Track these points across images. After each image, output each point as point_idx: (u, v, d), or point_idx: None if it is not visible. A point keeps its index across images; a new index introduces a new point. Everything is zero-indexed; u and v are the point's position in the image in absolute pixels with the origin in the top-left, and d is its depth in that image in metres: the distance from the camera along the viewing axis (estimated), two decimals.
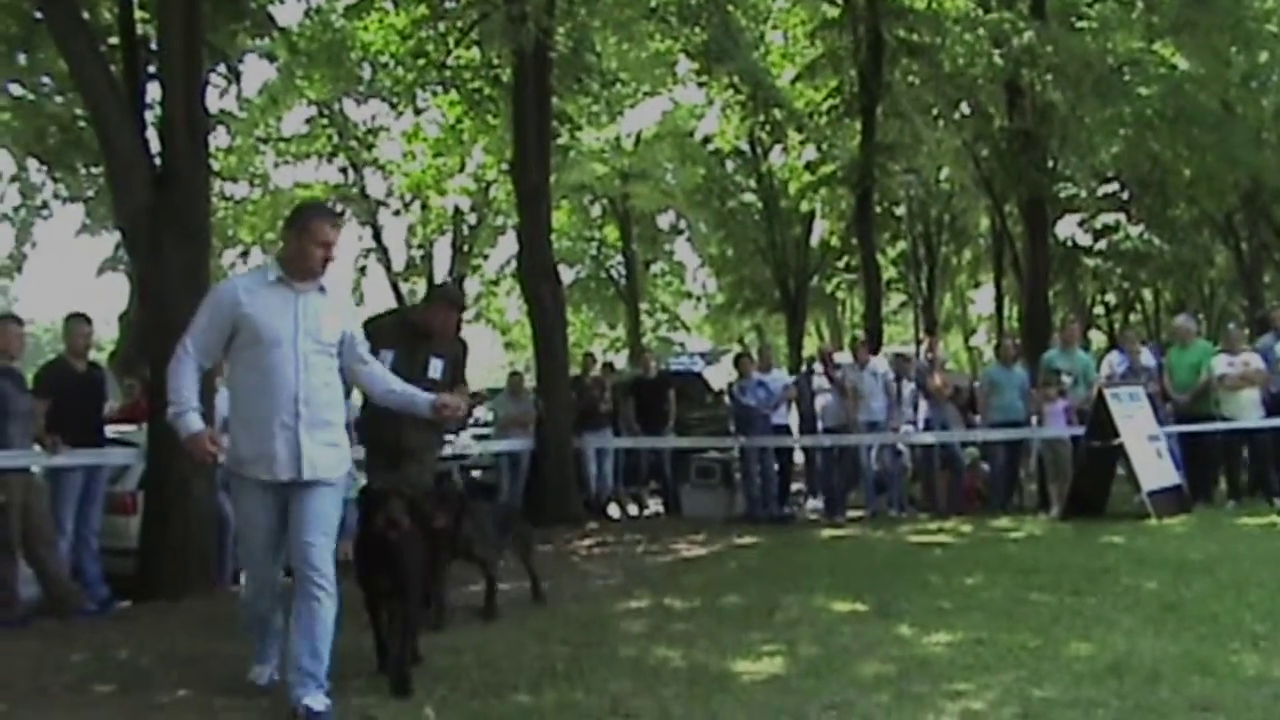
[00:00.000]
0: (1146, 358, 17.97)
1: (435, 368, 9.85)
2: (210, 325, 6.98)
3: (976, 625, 8.41)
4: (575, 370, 20.16)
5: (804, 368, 23.32)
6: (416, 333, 9.95)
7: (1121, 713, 6.02)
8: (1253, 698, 6.17)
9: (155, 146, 12.67)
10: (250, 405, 6.94)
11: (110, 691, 7.53)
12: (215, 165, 25.34)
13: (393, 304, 40.03)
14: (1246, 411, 16.53)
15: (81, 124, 18.95)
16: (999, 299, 39.74)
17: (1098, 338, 43.52)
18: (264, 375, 6.86)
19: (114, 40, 14.41)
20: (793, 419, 19.52)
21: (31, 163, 24.65)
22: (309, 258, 6.97)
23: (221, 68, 18.32)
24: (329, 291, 7.18)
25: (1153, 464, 15.74)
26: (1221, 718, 5.82)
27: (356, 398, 8.89)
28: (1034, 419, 17.49)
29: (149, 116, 13.50)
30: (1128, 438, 15.49)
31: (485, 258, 42.04)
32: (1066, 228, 33.47)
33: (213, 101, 19.26)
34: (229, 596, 11.31)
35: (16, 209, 27.11)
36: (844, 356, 21.95)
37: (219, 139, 27.00)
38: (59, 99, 20.14)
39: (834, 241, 38.11)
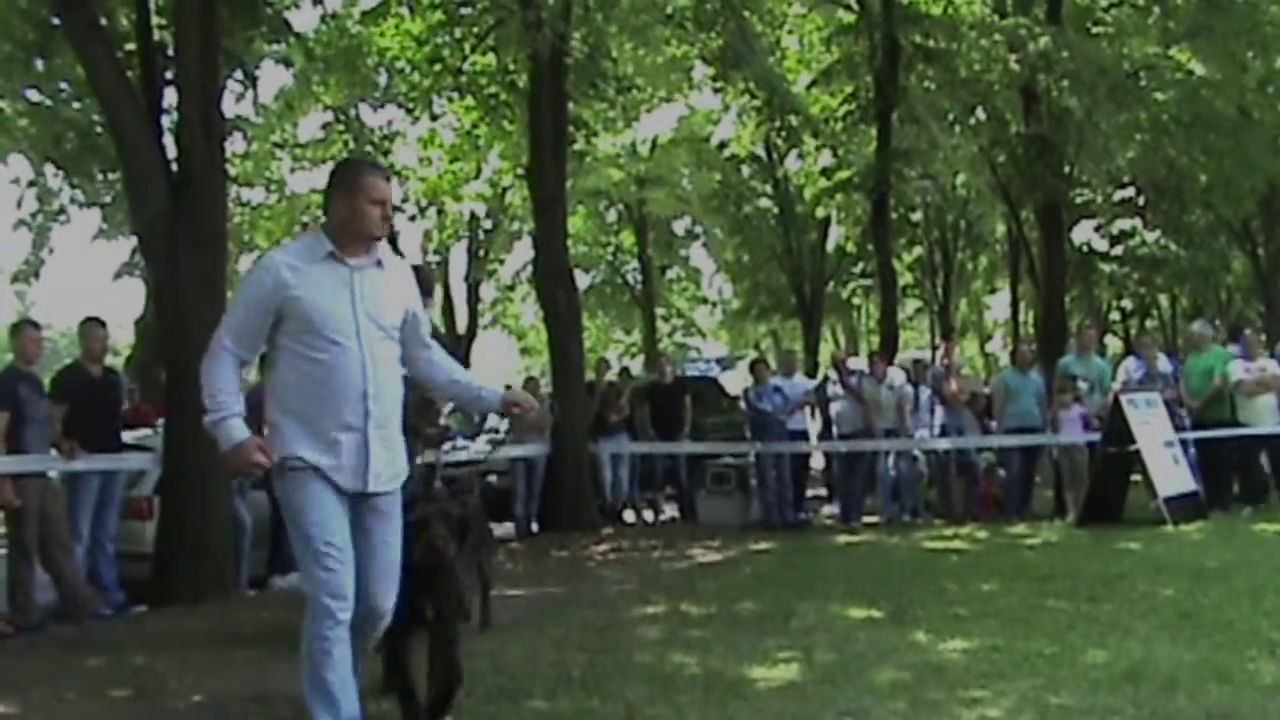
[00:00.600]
0: (1163, 364, 17.95)
1: None
2: (250, 314, 5.87)
3: (992, 632, 8.40)
4: (591, 376, 20.18)
5: (821, 375, 23.33)
6: None
7: None
8: (1270, 706, 6.15)
9: (172, 152, 12.72)
10: (305, 403, 5.84)
11: (126, 696, 7.55)
12: (231, 171, 25.34)
13: None
14: (1263, 417, 16.50)
15: (98, 130, 18.97)
16: (1015, 304, 39.76)
17: (1114, 343, 43.50)
18: (322, 369, 5.80)
19: (131, 46, 14.45)
20: (814, 425, 19.55)
21: (49, 168, 24.64)
22: (365, 219, 5.94)
23: (238, 73, 18.31)
24: (386, 266, 6.09)
25: (1169, 470, 15.70)
26: None
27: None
28: (1050, 425, 17.47)
29: (166, 122, 13.52)
30: (1144, 444, 15.46)
31: (501, 263, 42.11)
32: (1083, 233, 33.54)
33: (229, 107, 19.25)
34: (245, 601, 11.37)
35: (34, 214, 27.12)
36: (859, 362, 21.94)
37: (235, 144, 26.91)
38: (76, 105, 20.19)
39: (850, 247, 38.19)
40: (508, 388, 7.93)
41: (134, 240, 23.36)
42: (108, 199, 25.85)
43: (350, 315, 5.85)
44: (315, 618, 5.79)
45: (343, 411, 5.81)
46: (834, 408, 19.03)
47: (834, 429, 19.10)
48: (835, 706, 6.50)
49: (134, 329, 28.95)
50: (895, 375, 18.86)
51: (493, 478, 18.97)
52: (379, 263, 6.03)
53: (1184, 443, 16.31)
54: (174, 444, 12.06)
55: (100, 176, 23.18)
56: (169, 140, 12.99)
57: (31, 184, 26.20)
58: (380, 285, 6.02)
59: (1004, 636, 8.20)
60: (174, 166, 12.53)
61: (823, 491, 21.98)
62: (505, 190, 34.31)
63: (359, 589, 5.86)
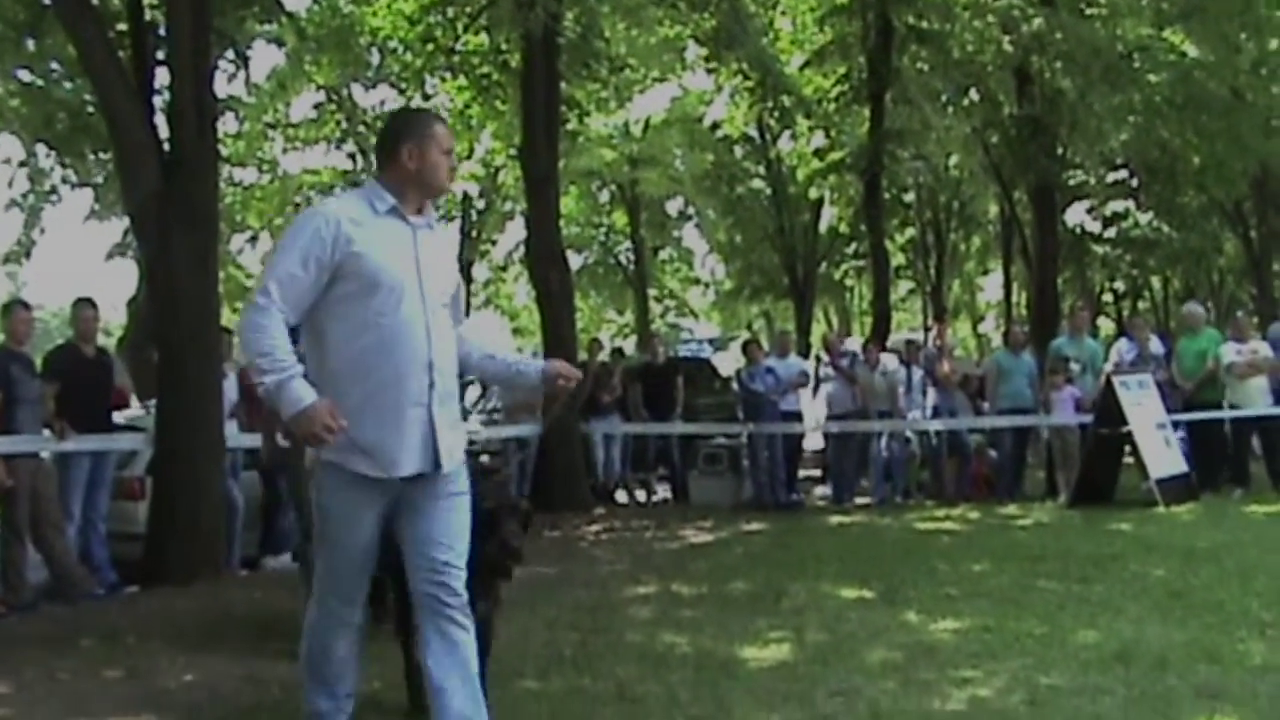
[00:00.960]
0: (1155, 345, 17.97)
1: None
2: (305, 267, 5.13)
3: (983, 612, 8.43)
4: (583, 356, 20.19)
5: (813, 356, 23.36)
6: None
7: (1128, 700, 6.03)
8: (1259, 685, 6.18)
9: (164, 132, 12.66)
10: (363, 375, 5.19)
11: (118, 676, 7.56)
12: (223, 151, 25.35)
13: None
14: (1255, 400, 16.52)
15: (90, 110, 18.96)
16: (1007, 286, 39.69)
17: (1106, 325, 43.50)
18: (385, 336, 5.18)
19: (122, 26, 14.40)
20: (812, 405, 19.58)
21: (40, 148, 24.59)
22: (438, 171, 5.41)
23: (230, 53, 18.31)
24: (436, 228, 5.58)
25: (1161, 452, 15.75)
26: (1228, 705, 5.83)
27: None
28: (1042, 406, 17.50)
29: (157, 102, 13.45)
30: (1136, 425, 15.49)
31: (494, 243, 42.09)
32: (1075, 215, 33.51)
33: (221, 87, 19.26)
34: (237, 581, 11.37)
35: (25, 195, 27.01)
36: (852, 343, 21.96)
37: (227, 125, 26.94)
38: (68, 85, 20.16)
39: (842, 228, 38.10)
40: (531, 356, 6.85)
41: (126, 221, 23.28)
42: (100, 179, 25.79)
43: (415, 277, 5.27)
44: (321, 620, 5.54)
45: (407, 385, 5.22)
46: (824, 389, 19.06)
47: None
48: (826, 686, 6.52)
49: (126, 310, 28.85)
50: (889, 361, 18.89)
51: (485, 457, 18.98)
52: (430, 225, 5.50)
53: (1175, 425, 16.35)
54: (166, 424, 12.05)
55: (92, 156, 23.15)
56: (161, 120, 12.94)
57: (23, 164, 26.11)
58: (437, 247, 5.54)
59: (995, 616, 8.23)
60: (166, 146, 12.50)
61: (816, 472, 22.02)
62: (498, 170, 34.28)
63: (420, 560, 5.30)
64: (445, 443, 5.30)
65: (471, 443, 18.27)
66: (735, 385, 20.56)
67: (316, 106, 33.07)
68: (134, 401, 15.44)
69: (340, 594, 5.48)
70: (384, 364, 5.17)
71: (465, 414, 20.94)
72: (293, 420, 5.03)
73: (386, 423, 5.17)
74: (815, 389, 19.52)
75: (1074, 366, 17.30)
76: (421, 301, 5.24)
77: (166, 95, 12.99)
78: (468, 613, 5.30)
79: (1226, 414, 16.53)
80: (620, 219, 44.09)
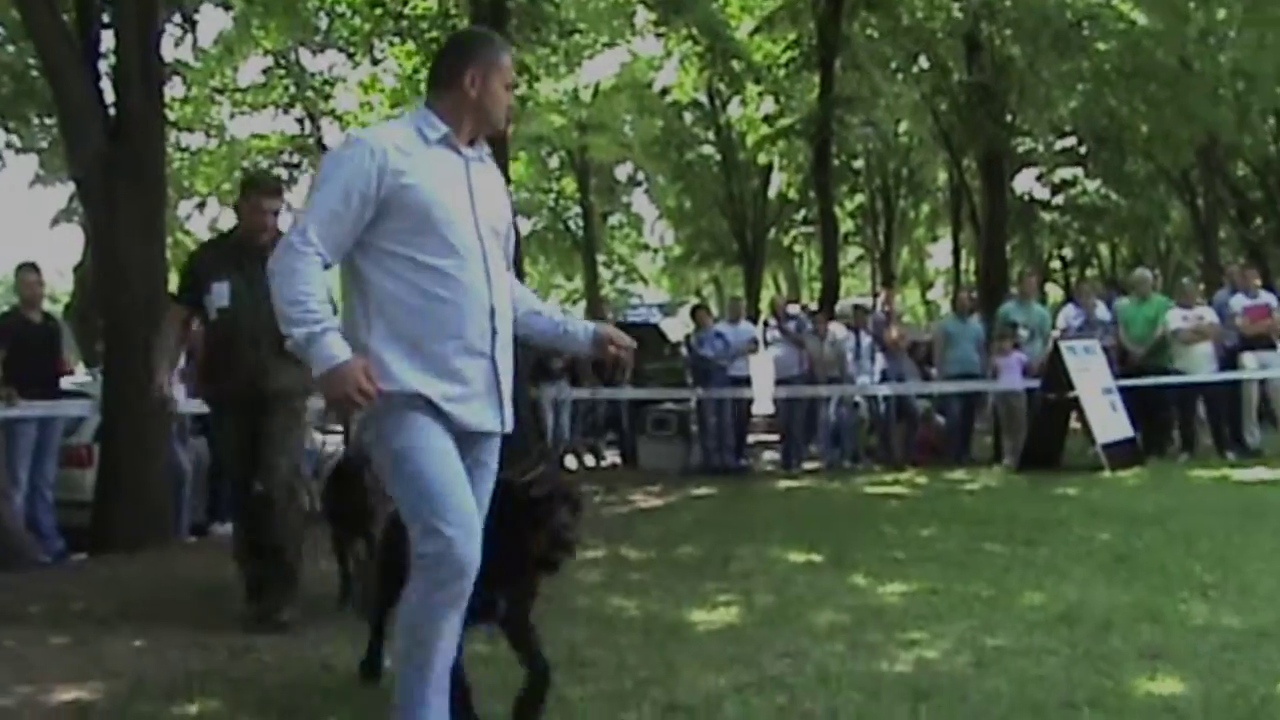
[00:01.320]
0: (1102, 311, 18.06)
1: None
2: (347, 202, 4.53)
3: (930, 575, 8.46)
4: None
5: (761, 321, 23.38)
6: (250, 253, 7.68)
7: (1072, 660, 6.07)
8: (1200, 646, 6.23)
9: (109, 97, 12.55)
10: (416, 323, 4.60)
11: (66, 643, 7.49)
12: (170, 115, 25.19)
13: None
14: (1200, 365, 16.64)
15: (34, 73, 18.78)
16: (956, 252, 39.89)
17: (1054, 291, 43.75)
18: (441, 280, 4.61)
19: None
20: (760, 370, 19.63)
21: None
22: (499, 105, 4.87)
23: (176, 17, 18.18)
24: (488, 162, 4.94)
25: (1107, 417, 15.84)
26: (1170, 665, 5.87)
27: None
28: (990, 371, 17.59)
29: (103, 66, 13.36)
30: (1082, 390, 15.58)
31: None
32: (1024, 182, 33.68)
33: (168, 51, 19.06)
34: (185, 548, 11.32)
35: None
36: (794, 309, 22.00)
37: (174, 89, 26.78)
38: (10, 48, 20.01)
39: (792, 194, 38.24)
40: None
41: (72, 186, 23.13)
42: (44, 144, 25.67)
43: (469, 214, 4.72)
44: (430, 598, 4.57)
45: (467, 333, 4.66)
46: (770, 351, 19.11)
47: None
48: (774, 648, 6.53)
49: (73, 276, 28.71)
50: (836, 330, 18.93)
51: None
52: (482, 158, 4.91)
53: (1122, 390, 16.46)
54: (112, 390, 11.95)
55: (36, 121, 23.04)
56: (106, 85, 12.83)
57: None
58: (490, 184, 4.94)
59: (942, 579, 8.26)
60: (111, 110, 12.39)
61: (767, 437, 22.07)
62: None
63: None
64: (509, 401, 4.85)
65: None
66: (684, 350, 20.58)
67: (264, 71, 33.04)
68: (79, 369, 15.32)
69: (455, 561, 4.53)
70: (440, 310, 4.60)
71: None
72: (322, 379, 4.45)
73: (444, 375, 4.60)
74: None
75: (1022, 332, 17.40)
76: (479, 241, 4.71)
77: (112, 59, 12.88)
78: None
79: (1173, 380, 16.64)
80: (569, 185, 44.07)
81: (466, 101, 4.77)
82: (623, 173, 45.11)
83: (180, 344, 8.45)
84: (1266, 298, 17.14)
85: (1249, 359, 16.66)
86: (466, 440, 4.71)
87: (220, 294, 7.76)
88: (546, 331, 5.23)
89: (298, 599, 7.76)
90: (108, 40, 13.10)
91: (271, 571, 7.74)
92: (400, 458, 4.59)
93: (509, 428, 4.87)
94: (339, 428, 13.53)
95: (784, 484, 16.07)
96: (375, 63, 30.25)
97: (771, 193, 39.89)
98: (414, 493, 4.58)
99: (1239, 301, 17.00)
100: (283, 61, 33.16)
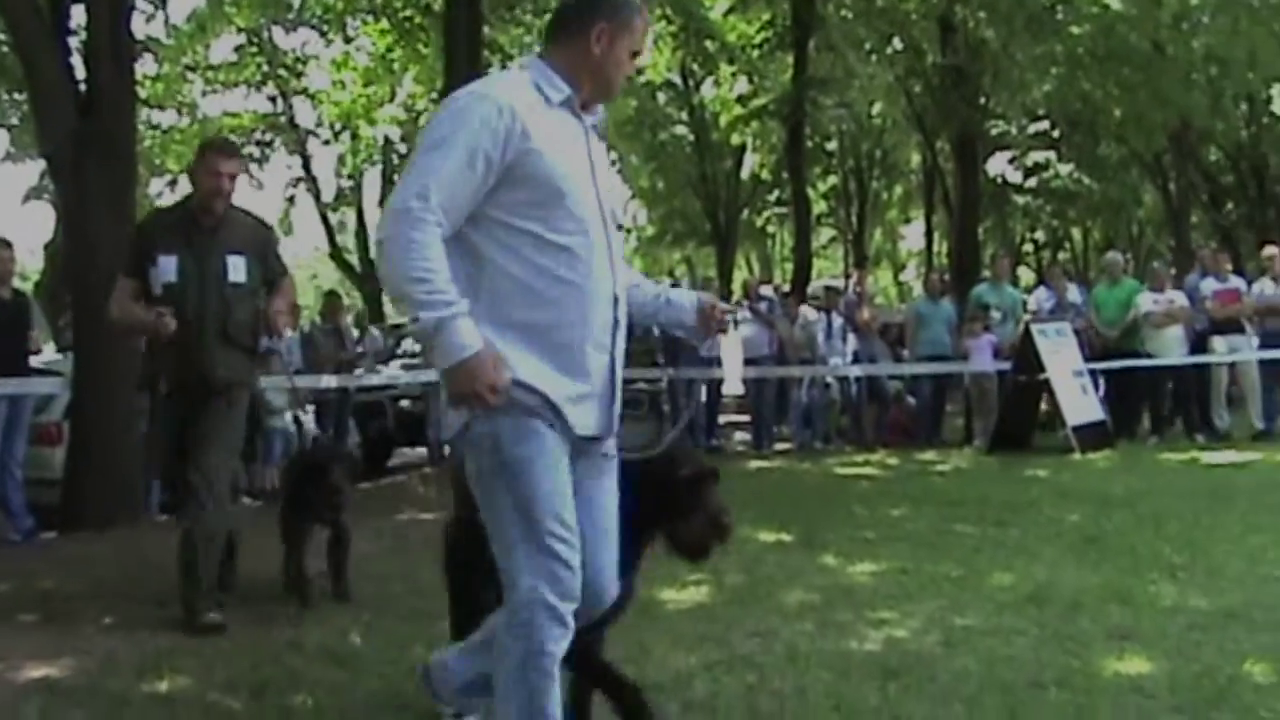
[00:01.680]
0: (1073, 294, 18.14)
1: (236, 269, 7.35)
2: (473, 165, 3.85)
3: (900, 555, 8.48)
4: None
5: (734, 302, 23.38)
6: (200, 226, 7.36)
7: (1041, 640, 6.09)
8: (1169, 627, 6.26)
9: (80, 73, 12.48)
10: (538, 309, 3.97)
11: (34, 621, 7.48)
12: (142, 93, 25.09)
13: (322, 238, 39.81)
14: (1170, 349, 16.70)
15: (4, 49, 18.67)
16: (929, 235, 40.00)
17: (1026, 274, 43.87)
18: (568, 262, 4.00)
19: None
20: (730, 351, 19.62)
21: None
22: (620, 71, 4.24)
23: None
24: (599, 131, 4.35)
25: (1077, 399, 15.90)
26: (1138, 645, 5.90)
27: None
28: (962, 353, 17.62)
29: (74, 42, 13.27)
30: (1053, 373, 15.62)
31: None
32: (997, 165, 33.74)
33: (139, 27, 19.04)
34: (155, 527, 11.25)
35: None
36: (767, 290, 22.00)
37: (146, 66, 26.71)
38: None
39: (765, 175, 38.29)
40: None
41: (42, 162, 23.02)
42: (15, 120, 25.54)
43: (593, 189, 4.11)
44: (535, 625, 3.94)
45: (592, 323, 4.07)
46: (741, 331, 19.09)
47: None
48: (744, 627, 6.55)
49: (44, 253, 28.59)
50: (808, 313, 18.93)
51: (405, 402, 18.93)
52: (596, 127, 4.29)
53: (1092, 373, 16.50)
54: (82, 367, 11.89)
55: (6, 97, 22.91)
56: (77, 61, 12.75)
57: None
58: (605, 156, 4.38)
59: (912, 560, 8.29)
60: (82, 87, 12.32)
61: (737, 418, 22.08)
62: (419, 114, 34.03)
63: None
64: (618, 404, 4.23)
65: (393, 387, 18.32)
66: (656, 330, 20.53)
67: (237, 49, 32.90)
68: (47, 348, 15.23)
69: (561, 586, 3.96)
70: (566, 296, 3.99)
71: (390, 357, 21.02)
72: (450, 373, 3.79)
73: (566, 371, 3.99)
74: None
75: (994, 314, 17.44)
76: (601, 218, 4.11)
77: (83, 35, 12.80)
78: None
79: (1143, 362, 16.69)
80: None
81: (589, 60, 4.14)
82: None
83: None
84: (1236, 282, 17.23)
85: (1219, 343, 16.73)
86: (575, 446, 4.07)
87: (167, 268, 7.21)
88: (648, 305, 4.63)
89: (230, 597, 7.55)
90: (78, 16, 12.99)
91: (201, 572, 7.27)
92: (513, 470, 3.95)
93: (616, 428, 4.25)
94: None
95: (755, 464, 16.08)
96: (348, 41, 30.19)
97: (744, 173, 39.90)
98: (517, 519, 3.95)
99: (1209, 285, 17.07)
100: (255, 39, 33.03)
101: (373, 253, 3.51)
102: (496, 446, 3.92)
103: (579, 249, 3.98)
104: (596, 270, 4.03)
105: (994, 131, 31.79)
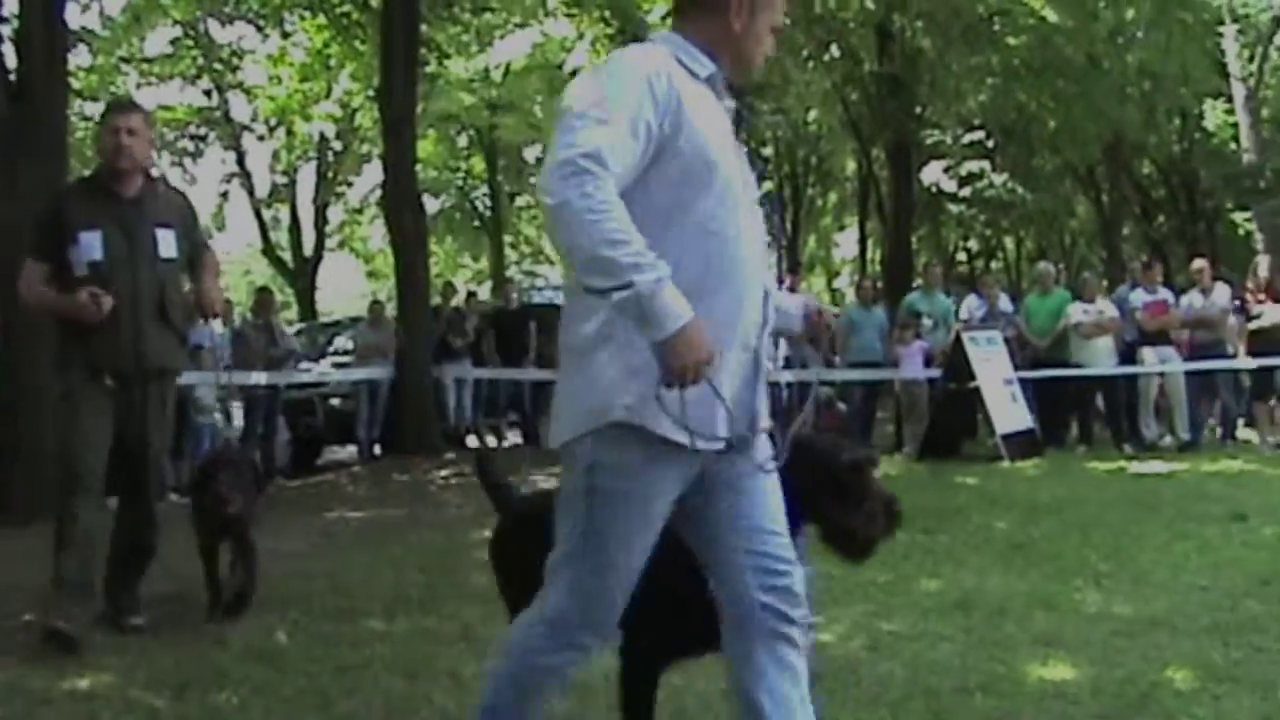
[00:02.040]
0: (1004, 303, 18.26)
1: (167, 243, 6.92)
2: (635, 133, 3.38)
3: (828, 560, 8.45)
4: (437, 300, 20.15)
5: None
6: (121, 198, 6.90)
7: (967, 646, 6.11)
8: (1093, 633, 6.30)
9: (11, 62, 12.36)
10: (697, 307, 3.30)
11: None
12: (75, 84, 24.84)
13: (255, 234, 39.55)
14: (1100, 359, 16.83)
15: None
16: (863, 242, 40.06)
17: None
18: (722, 250, 3.55)
19: None
20: None
21: None
22: (760, 47, 3.83)
23: None
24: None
25: (1007, 407, 15.98)
26: (1063, 651, 5.93)
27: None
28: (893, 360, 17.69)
29: (4, 30, 13.15)
30: (984, 381, 15.70)
31: (350, 185, 41.59)
32: (932, 174, 33.82)
33: (73, 17, 18.84)
34: None
35: None
36: None
37: (79, 57, 26.42)
38: None
39: None
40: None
41: None
42: None
43: (739, 171, 3.68)
44: (550, 640, 3.73)
45: (743, 319, 3.62)
46: None
47: None
48: None
49: None
50: None
51: (336, 400, 18.86)
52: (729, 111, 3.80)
53: (1022, 382, 16.60)
54: (6, 359, 11.78)
55: None
56: (9, 49, 12.63)
57: None
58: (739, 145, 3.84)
59: (839, 565, 8.26)
60: (13, 76, 12.19)
61: None
62: (355, 111, 33.92)
63: (752, 562, 3.76)
64: (764, 402, 3.86)
65: (323, 385, 18.23)
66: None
67: (172, 41, 32.57)
68: None
69: (597, 618, 3.71)
70: (721, 289, 3.52)
71: (321, 355, 20.93)
72: (668, 343, 3.24)
73: (716, 371, 3.42)
74: None
75: (926, 321, 17.51)
76: (748, 205, 3.69)
77: (14, 23, 12.68)
78: (804, 626, 3.90)
79: (1073, 372, 16.80)
80: (478, 164, 43.84)
81: (727, 35, 3.71)
82: (532, 154, 44.83)
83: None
84: (1165, 294, 17.36)
85: (1148, 354, 16.86)
86: (718, 452, 3.61)
87: (90, 245, 6.70)
88: None
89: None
90: (10, 4, 12.88)
91: (131, 571, 7.11)
92: (616, 508, 3.57)
93: (762, 427, 3.82)
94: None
95: None
96: (285, 36, 30.00)
97: None
98: (588, 544, 3.63)
99: (1139, 297, 17.20)
100: (191, 32, 32.75)
101: (546, 221, 2.74)
102: (610, 474, 3.52)
103: (733, 239, 3.57)
104: (751, 261, 3.63)
105: (929, 140, 31.90)
